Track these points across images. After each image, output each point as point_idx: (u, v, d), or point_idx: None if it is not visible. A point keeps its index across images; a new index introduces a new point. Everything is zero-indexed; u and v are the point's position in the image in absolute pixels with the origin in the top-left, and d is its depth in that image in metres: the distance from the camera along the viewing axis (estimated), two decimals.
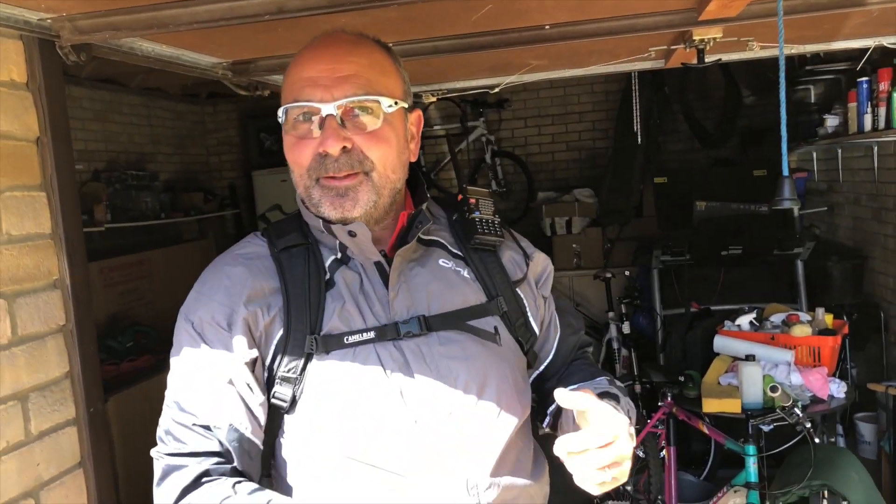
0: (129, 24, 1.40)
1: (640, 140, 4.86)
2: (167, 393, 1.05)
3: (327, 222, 1.07)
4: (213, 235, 5.83)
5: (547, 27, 1.73)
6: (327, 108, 1.01)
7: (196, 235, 5.87)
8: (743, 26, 1.79)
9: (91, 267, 4.19)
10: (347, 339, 1.02)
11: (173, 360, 1.05)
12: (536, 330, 1.19)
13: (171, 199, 5.52)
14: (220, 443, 0.99)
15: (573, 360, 1.27)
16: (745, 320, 3.29)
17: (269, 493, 0.98)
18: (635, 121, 4.49)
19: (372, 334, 1.03)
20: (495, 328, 1.11)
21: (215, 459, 0.99)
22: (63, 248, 1.61)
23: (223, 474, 0.99)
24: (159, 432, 1.03)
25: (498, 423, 1.05)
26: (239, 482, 0.98)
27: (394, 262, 1.08)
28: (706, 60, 1.85)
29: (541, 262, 1.24)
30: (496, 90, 2.42)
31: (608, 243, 5.45)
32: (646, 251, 4.49)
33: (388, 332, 1.04)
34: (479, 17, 1.57)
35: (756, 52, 1.99)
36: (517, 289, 1.17)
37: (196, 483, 0.97)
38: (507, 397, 1.07)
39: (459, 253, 1.16)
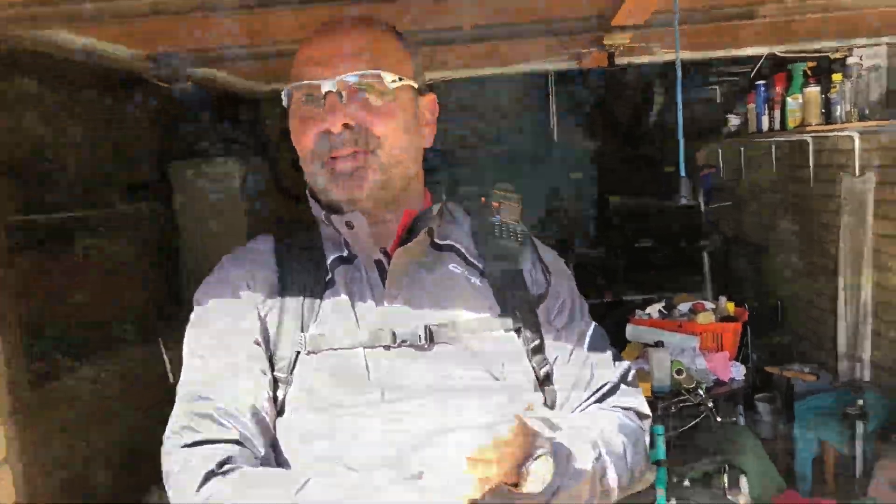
0: (50, 15, 1.39)
1: (555, 138, 5.02)
2: (180, 386, 0.98)
3: (329, 212, 1.02)
4: (126, 231, 5.65)
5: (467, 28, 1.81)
6: (327, 85, 0.96)
7: (110, 232, 5.68)
8: (652, 32, 1.92)
9: None
10: (336, 341, 0.97)
11: (186, 350, 1.01)
12: (550, 361, 1.05)
13: (81, 195, 5.32)
14: (241, 431, 0.93)
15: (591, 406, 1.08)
16: (654, 309, 3.47)
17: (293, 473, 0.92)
18: (551, 120, 4.64)
19: (363, 337, 0.97)
20: (500, 344, 1.01)
21: (236, 448, 0.92)
22: None
23: (245, 462, 0.92)
24: (173, 427, 0.94)
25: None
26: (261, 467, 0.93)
27: (392, 260, 1.01)
28: (616, 64, 1.98)
29: (559, 285, 1.10)
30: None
31: None
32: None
33: (382, 338, 0.97)
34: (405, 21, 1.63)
35: (662, 56, 2.13)
36: (537, 308, 1.06)
37: (220, 468, 0.89)
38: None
39: (475, 261, 1.07)
